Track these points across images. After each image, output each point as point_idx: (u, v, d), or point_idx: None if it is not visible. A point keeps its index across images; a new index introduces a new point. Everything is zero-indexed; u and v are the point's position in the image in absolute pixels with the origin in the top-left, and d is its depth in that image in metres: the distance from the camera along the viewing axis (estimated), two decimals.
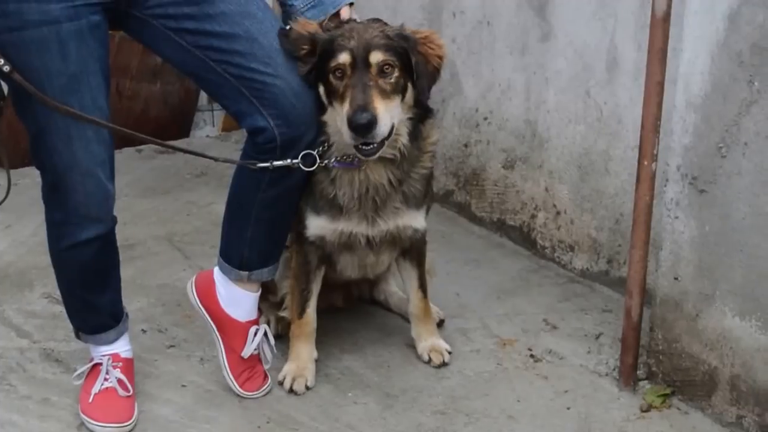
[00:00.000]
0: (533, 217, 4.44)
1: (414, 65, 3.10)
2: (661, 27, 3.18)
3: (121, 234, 4.51)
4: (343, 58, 3.03)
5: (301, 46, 3.06)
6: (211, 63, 3.02)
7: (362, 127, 2.95)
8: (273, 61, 3.03)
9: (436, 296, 3.95)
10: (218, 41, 2.99)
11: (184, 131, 5.87)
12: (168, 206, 4.89)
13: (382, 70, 3.04)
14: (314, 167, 3.13)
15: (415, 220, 3.36)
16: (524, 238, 4.50)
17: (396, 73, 3.06)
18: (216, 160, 3.18)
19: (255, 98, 3.04)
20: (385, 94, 3.03)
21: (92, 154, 2.98)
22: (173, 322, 3.88)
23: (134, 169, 5.29)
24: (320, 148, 3.13)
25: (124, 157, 5.51)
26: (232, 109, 3.14)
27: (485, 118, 4.58)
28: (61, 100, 2.85)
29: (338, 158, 3.16)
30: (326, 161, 3.15)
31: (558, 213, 4.31)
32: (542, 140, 4.31)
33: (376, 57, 3.04)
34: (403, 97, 3.11)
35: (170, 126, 5.67)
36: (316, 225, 3.30)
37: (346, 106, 2.99)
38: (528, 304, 4.06)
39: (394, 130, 3.11)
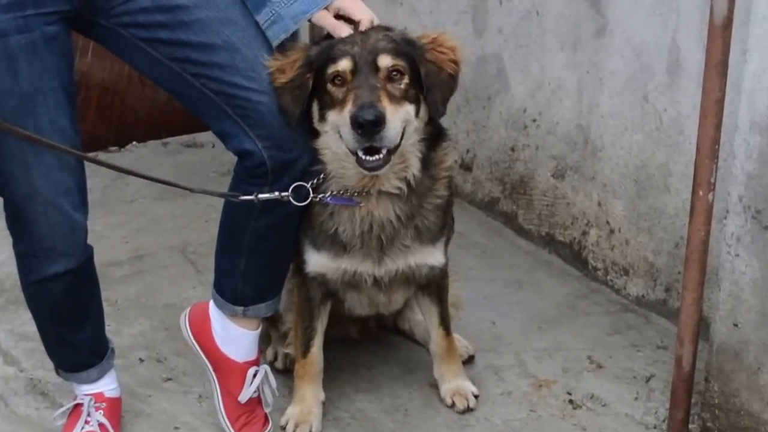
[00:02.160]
0: (585, 233, 4.12)
1: (423, 76, 2.79)
2: (720, 36, 2.85)
3: (132, 243, 4.42)
4: (344, 64, 2.74)
5: (303, 77, 2.78)
6: (189, 77, 2.77)
7: (369, 124, 2.62)
8: (258, 74, 2.76)
9: (469, 325, 3.71)
10: (195, 53, 2.74)
11: None
12: (186, 210, 4.67)
13: (391, 76, 2.74)
14: (306, 201, 2.85)
15: (431, 256, 3.07)
16: (574, 256, 4.18)
17: (406, 80, 2.76)
18: (191, 191, 2.91)
19: (239, 117, 2.78)
20: (395, 99, 2.72)
21: (54, 183, 2.76)
22: (175, 350, 3.67)
23: (157, 166, 5.10)
24: (315, 180, 2.86)
25: (148, 151, 5.36)
26: (215, 129, 2.89)
27: (534, 120, 4.26)
28: (14, 123, 2.60)
29: (335, 193, 2.88)
30: (320, 196, 2.87)
31: (612, 231, 3.99)
32: (595, 148, 3.99)
33: (385, 61, 2.74)
34: (417, 111, 2.80)
35: None
36: (316, 261, 3.04)
37: (349, 106, 2.68)
38: (572, 337, 3.76)
39: (403, 157, 2.83)
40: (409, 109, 2.77)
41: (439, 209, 3.01)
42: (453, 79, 2.86)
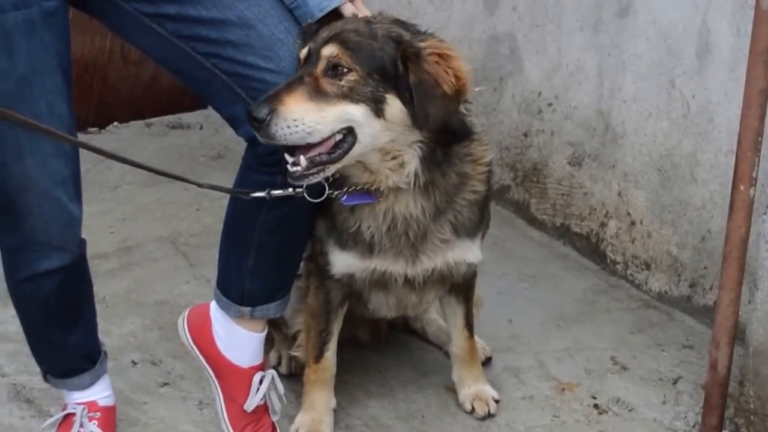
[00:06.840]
0: (603, 225, 4.05)
1: (414, 85, 2.62)
2: (767, 21, 2.76)
3: (119, 234, 4.31)
4: (303, 52, 2.65)
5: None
6: (198, 57, 2.67)
7: (252, 121, 2.53)
8: (274, 53, 2.66)
9: (484, 324, 3.62)
10: (206, 30, 2.63)
11: (202, 102, 5.50)
12: (175, 197, 4.55)
13: (333, 68, 2.60)
14: (322, 198, 2.76)
15: (469, 251, 2.99)
16: (592, 249, 4.12)
17: (353, 77, 2.59)
18: (200, 185, 2.79)
19: (253, 100, 2.67)
20: (321, 96, 2.57)
21: (50, 172, 2.65)
22: (170, 351, 3.57)
23: (141, 149, 4.98)
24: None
25: (131, 132, 5.24)
26: (225, 113, 2.78)
27: (549, 104, 4.19)
28: (8, 107, 2.48)
29: (350, 189, 2.79)
30: (336, 192, 2.78)
31: (633, 223, 3.92)
32: (616, 135, 3.92)
33: (328, 50, 2.60)
34: (378, 112, 2.63)
35: (184, 96, 5.29)
36: (344, 262, 2.94)
37: None
38: (593, 336, 3.70)
39: (391, 154, 2.72)
40: (349, 109, 2.60)
41: (475, 205, 2.93)
42: (449, 99, 2.66)
